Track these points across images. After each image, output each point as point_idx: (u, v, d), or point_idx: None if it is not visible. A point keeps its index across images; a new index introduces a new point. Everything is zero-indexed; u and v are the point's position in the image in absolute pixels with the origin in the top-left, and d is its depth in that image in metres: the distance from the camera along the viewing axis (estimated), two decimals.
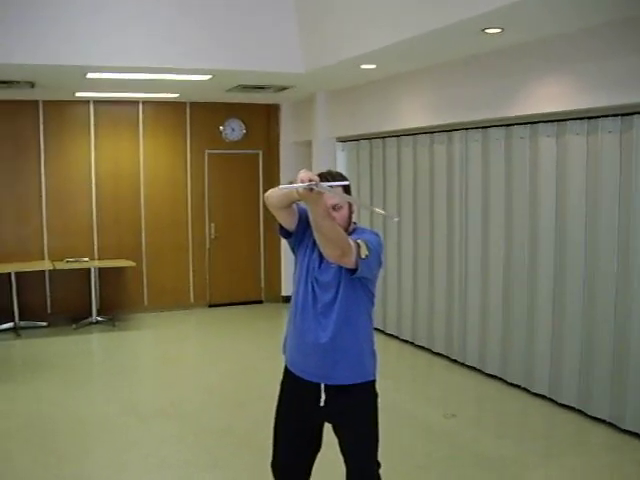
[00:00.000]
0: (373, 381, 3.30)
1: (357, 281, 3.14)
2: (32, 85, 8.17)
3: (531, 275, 6.36)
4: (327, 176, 3.15)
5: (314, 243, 3.10)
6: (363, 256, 3.02)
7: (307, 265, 3.25)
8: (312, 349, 3.19)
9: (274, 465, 3.39)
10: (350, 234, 3.17)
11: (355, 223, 3.34)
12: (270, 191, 3.17)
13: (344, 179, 3.19)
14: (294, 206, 3.18)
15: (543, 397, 6.27)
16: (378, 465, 3.29)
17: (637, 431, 5.34)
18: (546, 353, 6.21)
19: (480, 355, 7.10)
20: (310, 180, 2.76)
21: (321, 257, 3.12)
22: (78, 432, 5.74)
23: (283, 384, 3.40)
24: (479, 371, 7.11)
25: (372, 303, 3.32)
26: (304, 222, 3.17)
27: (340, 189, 3.11)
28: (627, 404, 5.40)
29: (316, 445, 3.38)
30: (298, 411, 3.31)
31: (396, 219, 3.13)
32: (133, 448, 5.38)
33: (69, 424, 5.90)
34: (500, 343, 6.79)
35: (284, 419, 3.36)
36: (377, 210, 3.19)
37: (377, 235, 3.27)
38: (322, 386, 3.20)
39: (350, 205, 3.25)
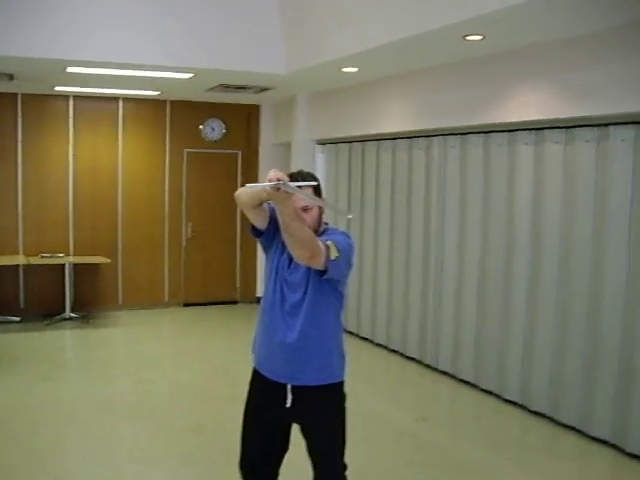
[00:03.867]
0: (341, 382, 3.29)
1: (326, 282, 3.13)
2: (11, 77, 8.10)
3: (506, 281, 6.39)
4: (297, 176, 3.14)
5: (284, 243, 3.07)
6: (332, 257, 3.00)
7: (277, 265, 3.24)
8: (279, 349, 3.18)
9: (242, 465, 3.38)
10: (320, 235, 3.16)
11: (327, 224, 3.32)
12: (240, 190, 3.16)
13: (314, 179, 3.18)
14: (265, 205, 3.17)
15: (515, 404, 6.30)
16: (344, 467, 3.28)
17: (605, 438, 5.38)
18: (518, 360, 6.24)
19: (453, 360, 7.12)
20: (278, 180, 2.75)
21: (290, 257, 3.10)
22: (48, 427, 5.69)
23: (251, 384, 3.38)
24: (452, 376, 7.12)
25: (341, 304, 3.31)
26: (275, 222, 3.14)
27: (309, 190, 3.10)
28: (596, 411, 5.44)
29: (284, 445, 3.36)
30: (265, 411, 3.30)
31: (349, 216, 3.14)
32: (104, 444, 5.36)
33: (40, 419, 5.85)
34: (473, 349, 6.82)
35: (252, 419, 3.34)
36: (336, 208, 3.18)
37: (347, 236, 3.25)
38: (289, 387, 3.19)
39: (320, 206, 3.25)
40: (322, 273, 3.05)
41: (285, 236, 2.97)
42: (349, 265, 3.19)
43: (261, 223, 3.23)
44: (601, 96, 5.19)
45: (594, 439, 5.46)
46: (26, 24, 6.57)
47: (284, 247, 3.11)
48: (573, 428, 5.67)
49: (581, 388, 5.58)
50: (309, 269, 3.09)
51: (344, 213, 3.10)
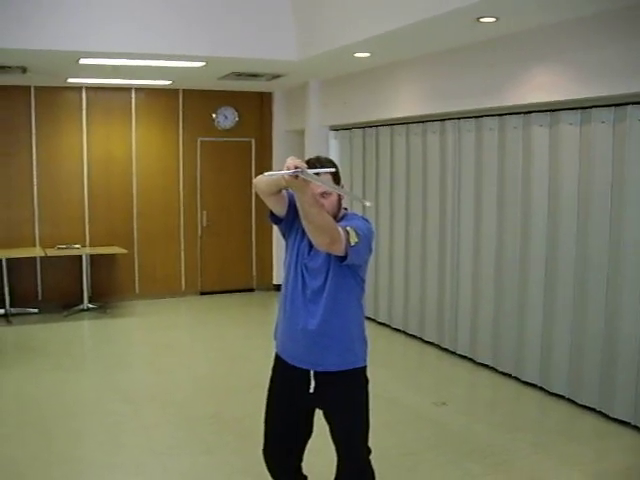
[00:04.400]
0: (364, 367, 3.29)
1: (346, 267, 3.13)
2: (24, 70, 8.12)
3: (523, 264, 6.37)
4: (315, 162, 3.14)
5: (304, 230, 3.07)
6: (352, 243, 2.99)
7: (297, 251, 3.25)
8: (301, 335, 3.19)
9: (265, 451, 3.40)
10: (340, 220, 3.15)
11: (346, 209, 3.32)
12: (258, 177, 3.16)
13: (333, 165, 3.17)
14: (284, 192, 3.17)
15: (534, 386, 6.30)
16: (368, 451, 3.30)
17: (625, 419, 5.37)
18: (537, 342, 6.24)
19: (471, 344, 7.12)
20: (296, 167, 2.75)
21: (310, 244, 3.10)
22: (68, 418, 5.73)
23: (274, 370, 3.40)
24: (470, 360, 7.13)
25: (362, 289, 3.31)
26: (294, 208, 3.13)
27: (328, 176, 3.09)
28: (616, 393, 5.43)
29: (307, 431, 3.38)
30: (288, 397, 3.31)
31: (368, 204, 3.11)
32: (123, 433, 5.39)
33: (59, 410, 5.89)
34: (491, 332, 6.81)
35: (275, 405, 3.36)
36: (354, 196, 3.17)
37: (367, 221, 3.25)
38: (312, 373, 3.20)
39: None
40: (342, 259, 3.04)
41: (304, 223, 2.97)
42: (369, 250, 3.19)
43: (280, 210, 3.23)
44: (617, 75, 5.14)
45: (614, 420, 5.45)
46: (38, 17, 6.58)
47: (304, 233, 3.11)
48: (593, 410, 5.66)
49: (601, 369, 5.57)
50: (329, 255, 3.09)
51: (362, 201, 3.08)
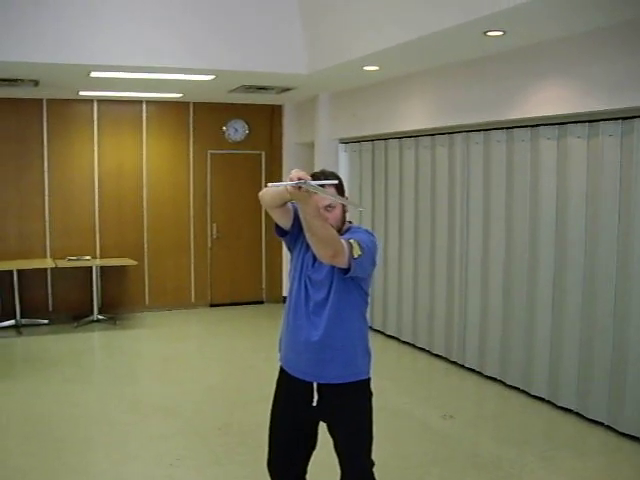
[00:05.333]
0: (367, 380, 3.30)
1: (350, 280, 3.14)
2: (36, 83, 8.20)
3: (531, 277, 6.37)
4: (320, 176, 3.16)
5: (308, 242, 3.08)
6: (355, 256, 3.01)
7: (301, 263, 3.27)
8: (304, 347, 3.20)
9: (270, 464, 3.40)
10: (344, 233, 3.18)
11: (350, 222, 3.34)
12: (264, 190, 3.18)
13: (336, 178, 3.19)
14: (289, 205, 3.19)
15: (542, 399, 6.27)
16: (372, 464, 3.29)
17: (635, 434, 5.34)
18: (545, 356, 6.22)
19: (479, 357, 7.11)
20: (300, 179, 2.77)
21: (314, 256, 3.11)
22: (78, 428, 5.75)
23: (278, 382, 3.41)
24: (478, 373, 7.11)
25: (365, 302, 3.32)
26: (299, 221, 3.15)
27: (332, 188, 3.12)
28: (625, 407, 5.40)
29: (311, 443, 3.38)
30: (292, 410, 3.32)
31: (361, 209, 3.19)
32: (133, 445, 5.41)
33: (69, 421, 5.92)
34: (499, 345, 6.80)
35: (279, 418, 3.36)
36: (350, 202, 3.17)
37: (371, 234, 3.27)
38: (315, 385, 3.21)
39: (343, 205, 3.26)
40: (346, 271, 3.06)
41: (308, 235, 2.99)
42: (373, 263, 3.20)
43: (285, 222, 3.25)
44: (624, 89, 5.14)
45: (623, 435, 5.42)
46: (49, 30, 6.64)
47: (308, 246, 3.12)
48: (602, 424, 5.63)
49: (609, 383, 5.54)
50: (333, 267, 3.10)
51: (356, 205, 3.10)
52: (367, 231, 3.31)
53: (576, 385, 5.89)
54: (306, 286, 3.23)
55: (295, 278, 3.28)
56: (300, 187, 2.78)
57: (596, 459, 5.21)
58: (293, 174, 2.81)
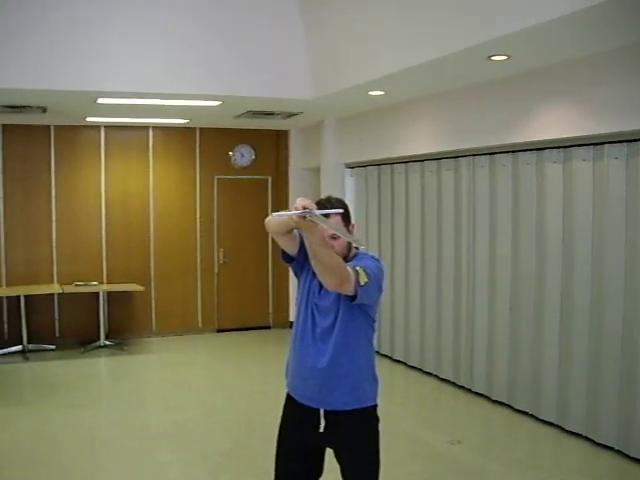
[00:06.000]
0: (374, 406, 3.28)
1: (356, 307, 3.13)
2: (44, 110, 8.26)
3: (538, 301, 6.35)
4: (326, 203, 3.17)
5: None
6: (362, 283, 3.00)
7: (308, 290, 3.26)
8: (310, 374, 3.20)
9: None
10: (350, 260, 3.17)
11: (357, 249, 3.33)
12: (269, 218, 3.18)
13: (343, 206, 3.20)
14: (295, 232, 3.19)
15: (551, 424, 6.23)
16: None
17: None
18: (554, 380, 6.18)
19: (487, 382, 7.07)
20: (304, 208, 2.77)
21: (321, 283, 3.10)
22: (85, 455, 5.74)
23: (285, 408, 3.40)
24: (486, 398, 7.07)
25: (372, 329, 3.31)
26: (305, 248, 3.15)
27: (337, 217, 3.13)
28: (635, 431, 5.36)
29: (318, 470, 3.36)
30: (299, 436, 3.30)
31: (362, 247, 3.15)
32: (139, 471, 5.39)
33: (76, 447, 5.91)
34: (507, 370, 6.76)
35: (285, 444, 3.34)
36: (352, 238, 3.17)
37: (377, 261, 3.26)
38: (321, 411, 3.20)
39: (350, 231, 3.25)
40: (352, 298, 3.05)
41: (313, 263, 2.99)
42: (379, 290, 3.20)
43: (291, 249, 3.26)
44: (629, 111, 5.15)
45: (633, 459, 5.37)
46: (57, 58, 6.71)
47: (315, 273, 3.12)
48: (611, 448, 5.59)
49: (619, 407, 5.50)
50: (339, 295, 3.10)
51: (359, 243, 3.06)
52: (373, 257, 3.30)
53: (585, 409, 5.85)
54: (313, 313, 3.22)
55: (302, 305, 3.28)
56: (305, 217, 2.77)
57: None
58: (298, 203, 2.80)
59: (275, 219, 3.10)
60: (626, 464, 5.37)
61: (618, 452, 5.52)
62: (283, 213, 2.96)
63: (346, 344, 3.17)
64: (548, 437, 6.07)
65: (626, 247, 5.42)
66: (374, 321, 3.31)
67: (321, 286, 3.15)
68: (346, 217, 3.21)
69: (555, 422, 6.18)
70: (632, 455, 5.39)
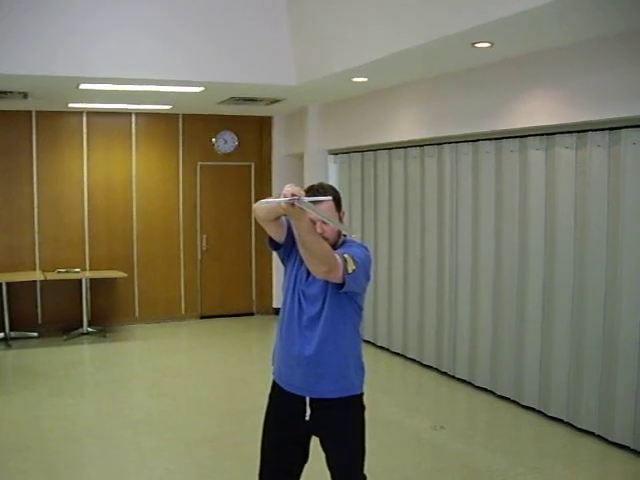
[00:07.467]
0: (360, 395, 3.28)
1: (344, 295, 3.12)
2: (25, 96, 8.19)
3: (521, 287, 6.39)
4: (318, 189, 3.15)
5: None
6: (350, 271, 2.99)
7: (295, 277, 3.25)
8: (297, 362, 3.19)
9: (261, 477, 3.39)
10: (338, 247, 3.17)
11: (345, 236, 3.32)
12: (257, 204, 3.16)
13: (335, 192, 3.19)
14: (282, 219, 3.18)
15: (532, 409, 6.28)
16: (364, 478, 3.28)
17: (625, 443, 5.35)
18: (535, 366, 6.23)
19: (470, 368, 7.12)
20: (293, 195, 2.75)
21: (308, 270, 3.09)
22: (68, 442, 5.73)
23: (271, 396, 3.40)
24: (469, 384, 7.11)
25: (359, 317, 3.29)
26: (292, 234, 3.14)
27: (330, 203, 3.11)
28: (615, 416, 5.42)
29: (303, 457, 3.37)
30: (284, 423, 3.31)
31: (354, 235, 3.12)
32: (123, 458, 5.38)
33: (58, 435, 5.89)
34: (490, 356, 6.81)
35: (271, 431, 3.35)
36: (342, 226, 3.17)
37: (365, 248, 3.25)
38: (307, 399, 3.20)
39: (340, 218, 3.25)
40: (340, 286, 3.04)
41: (301, 250, 2.98)
42: (367, 278, 3.19)
43: (279, 236, 3.24)
44: (611, 100, 5.20)
45: (613, 444, 5.43)
46: (38, 43, 6.64)
47: (302, 260, 3.10)
48: (592, 433, 5.65)
49: (599, 393, 5.56)
50: (327, 282, 3.09)
51: (348, 231, 3.05)
52: (361, 245, 3.30)
53: (566, 395, 5.91)
54: (299, 300, 3.21)
55: (288, 292, 3.26)
56: (293, 204, 2.76)
57: (587, 468, 5.22)
58: (287, 189, 2.78)
59: (263, 206, 3.09)
60: (606, 448, 5.43)
61: (598, 437, 5.58)
62: (272, 200, 2.95)
63: (333, 332, 3.16)
64: (530, 422, 6.12)
65: (608, 234, 5.45)
66: (361, 309, 3.30)
67: (308, 273, 3.13)
68: (337, 203, 3.20)
69: (537, 408, 6.24)
70: (612, 440, 5.45)
